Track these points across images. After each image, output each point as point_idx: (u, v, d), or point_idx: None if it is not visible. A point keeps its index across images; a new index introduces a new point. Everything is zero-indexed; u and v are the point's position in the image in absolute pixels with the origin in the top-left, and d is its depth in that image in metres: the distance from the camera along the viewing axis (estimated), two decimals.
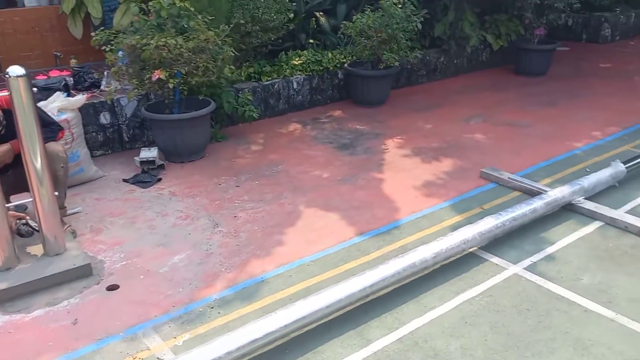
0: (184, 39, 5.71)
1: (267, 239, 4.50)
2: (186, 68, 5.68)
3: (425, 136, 6.77)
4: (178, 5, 5.84)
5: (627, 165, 5.24)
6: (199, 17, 5.89)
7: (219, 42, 5.97)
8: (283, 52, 7.72)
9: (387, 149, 6.40)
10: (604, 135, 6.64)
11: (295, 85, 7.58)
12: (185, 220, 4.79)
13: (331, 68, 7.82)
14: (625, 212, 4.71)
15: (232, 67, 6.34)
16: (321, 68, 7.75)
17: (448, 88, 8.83)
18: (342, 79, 8.02)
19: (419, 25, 7.30)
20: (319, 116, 7.53)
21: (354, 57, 7.81)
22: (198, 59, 5.73)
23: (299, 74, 7.60)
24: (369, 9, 7.43)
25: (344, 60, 7.89)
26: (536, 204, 4.56)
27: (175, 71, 5.66)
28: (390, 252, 4.26)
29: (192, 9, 5.92)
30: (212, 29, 5.94)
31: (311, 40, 8.04)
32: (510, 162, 5.92)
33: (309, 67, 7.67)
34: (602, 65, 10.09)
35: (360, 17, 7.39)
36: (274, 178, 5.63)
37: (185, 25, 5.91)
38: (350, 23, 7.47)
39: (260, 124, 7.18)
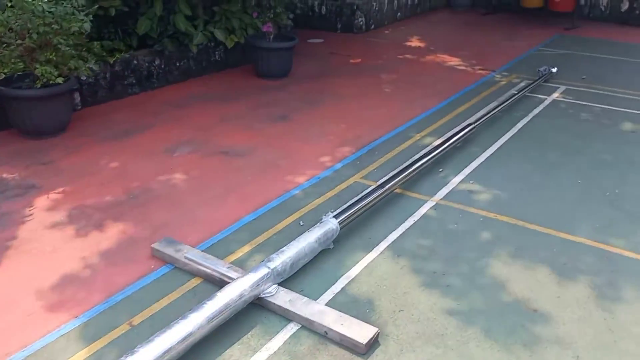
0: None
1: None
2: None
3: (101, 183, 4.82)
4: None
5: (339, 220, 3.97)
6: None
7: None
8: None
9: (32, 213, 4.34)
10: (334, 161, 5.40)
11: None
12: None
13: None
14: (328, 303, 3.38)
15: None
16: None
17: (167, 99, 6.96)
18: None
19: (87, 26, 5.25)
20: None
21: (4, 72, 5.47)
22: None
23: None
24: (9, 2, 5.15)
25: None
26: (197, 319, 2.96)
27: None
28: None
29: None
30: None
31: None
32: (208, 218, 4.30)
33: None
34: (353, 60, 9.16)
35: None
36: None
37: None
38: None
39: None
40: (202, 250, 3.84)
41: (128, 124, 6.15)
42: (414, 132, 6.12)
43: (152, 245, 3.82)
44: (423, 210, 4.50)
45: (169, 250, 3.74)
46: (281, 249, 3.55)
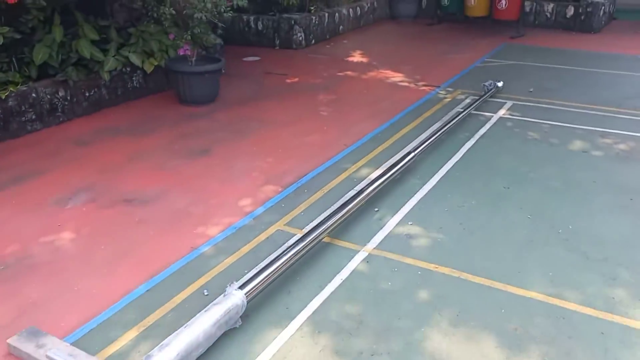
0: None
1: None
2: None
3: None
4: None
5: (247, 291, 3.28)
6: None
7: None
8: None
9: None
10: (255, 204, 4.72)
11: None
12: None
13: None
14: None
15: None
16: None
17: (72, 136, 6.10)
18: None
19: None
20: None
21: None
22: None
23: None
24: None
25: None
26: None
27: None
28: None
29: None
30: None
31: None
32: (92, 292, 3.50)
33: None
34: (289, 80, 8.53)
35: None
36: None
37: None
38: None
39: None
40: (75, 341, 3.09)
41: (20, 168, 5.31)
42: (349, 162, 5.51)
43: (8, 341, 3.04)
44: (353, 264, 3.86)
45: (29, 347, 2.96)
46: (166, 340, 2.83)
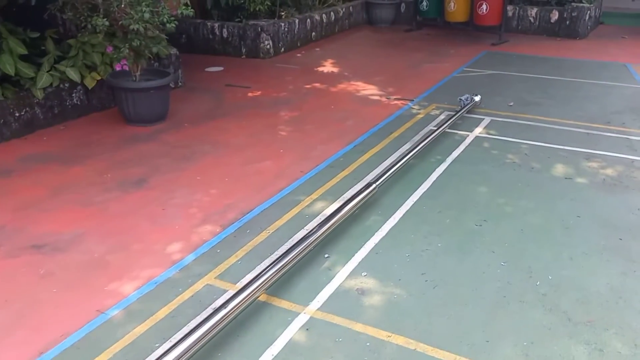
0: None
1: None
2: None
3: None
4: None
5: None
6: None
7: None
8: None
9: None
10: (186, 249, 4.03)
11: None
12: None
13: None
14: None
15: None
16: None
17: None
18: None
19: None
20: None
21: None
22: None
23: None
24: None
25: None
26: None
27: None
28: None
29: None
30: None
31: None
32: None
33: None
34: (252, 93, 7.87)
35: None
36: None
37: None
38: None
39: None
40: None
41: None
42: (303, 194, 4.86)
43: None
44: (289, 332, 3.20)
45: None
46: None
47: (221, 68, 9.10)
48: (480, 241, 4.12)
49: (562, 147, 5.83)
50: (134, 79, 6.15)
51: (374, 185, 4.65)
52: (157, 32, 5.99)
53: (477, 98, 7.03)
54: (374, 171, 5.20)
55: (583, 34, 11.25)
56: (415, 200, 4.73)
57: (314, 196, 4.82)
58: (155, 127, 6.38)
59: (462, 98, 6.99)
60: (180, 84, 7.89)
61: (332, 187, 4.99)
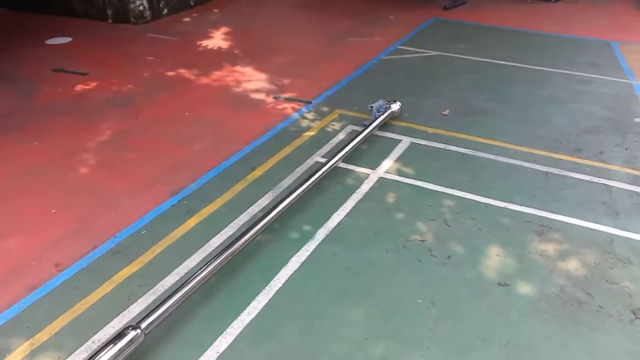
0: None
1: None
2: None
3: None
4: None
5: None
6: None
7: None
8: None
9: None
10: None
11: None
12: None
13: None
14: None
15: None
16: None
17: None
18: None
19: None
20: None
21: None
22: None
23: None
24: None
25: None
26: None
27: None
28: None
29: None
30: None
31: None
32: None
33: None
34: (85, 85, 5.51)
35: None
36: None
37: None
38: None
39: None
40: None
41: None
42: (79, 296, 2.76)
43: None
44: None
45: None
46: None
47: (69, 39, 6.67)
48: None
49: (504, 204, 3.72)
50: None
51: (136, 332, 2.52)
52: None
53: (396, 107, 4.84)
54: (169, 278, 2.99)
55: None
56: (245, 324, 2.65)
57: (78, 311, 2.68)
58: None
59: (375, 106, 4.81)
60: None
61: (130, 277, 2.86)
